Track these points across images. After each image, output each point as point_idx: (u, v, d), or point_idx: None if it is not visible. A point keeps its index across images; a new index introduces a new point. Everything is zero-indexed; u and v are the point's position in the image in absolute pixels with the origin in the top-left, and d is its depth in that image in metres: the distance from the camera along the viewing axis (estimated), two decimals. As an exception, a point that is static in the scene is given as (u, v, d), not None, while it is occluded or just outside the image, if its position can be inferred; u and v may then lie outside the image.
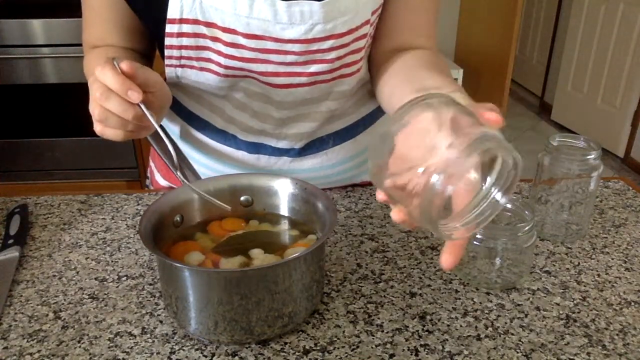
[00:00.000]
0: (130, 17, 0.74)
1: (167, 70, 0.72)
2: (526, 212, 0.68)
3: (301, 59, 0.69)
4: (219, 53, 0.69)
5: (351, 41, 0.70)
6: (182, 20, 0.66)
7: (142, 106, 0.59)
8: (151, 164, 0.98)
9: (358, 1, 0.67)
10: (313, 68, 0.70)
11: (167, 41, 0.68)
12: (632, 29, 3.05)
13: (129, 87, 0.57)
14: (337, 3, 0.66)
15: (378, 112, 0.88)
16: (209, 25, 0.66)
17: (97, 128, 0.61)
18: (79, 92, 1.98)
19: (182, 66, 0.72)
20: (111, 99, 0.57)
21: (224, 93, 0.76)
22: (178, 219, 0.67)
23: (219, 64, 0.70)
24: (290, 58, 0.69)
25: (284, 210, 0.70)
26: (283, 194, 0.70)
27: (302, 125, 0.80)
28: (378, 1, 0.70)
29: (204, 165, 0.85)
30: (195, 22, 0.66)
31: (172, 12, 0.65)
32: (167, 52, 0.70)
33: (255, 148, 0.83)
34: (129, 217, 0.84)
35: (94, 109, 0.59)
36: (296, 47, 0.67)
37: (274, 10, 0.65)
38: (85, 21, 0.77)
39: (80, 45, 0.80)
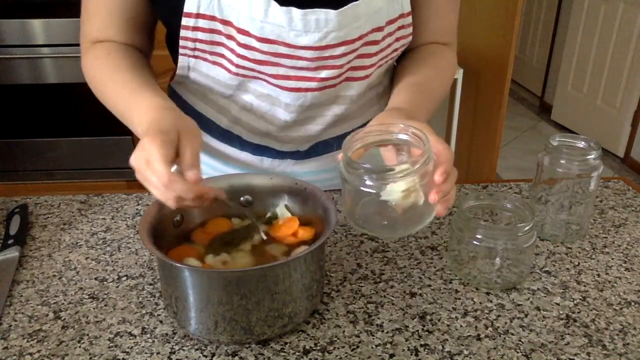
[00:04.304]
0: (135, 9, 0.73)
1: (180, 59, 0.73)
2: (526, 212, 0.68)
3: (312, 65, 0.69)
4: (232, 51, 0.69)
5: (360, 46, 0.70)
6: (198, 15, 0.66)
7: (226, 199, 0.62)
8: None
9: (371, 8, 0.67)
10: (324, 74, 0.70)
11: (183, 33, 0.68)
12: (632, 29, 3.05)
13: (203, 197, 0.56)
14: (351, 10, 0.66)
15: None
16: (225, 23, 0.66)
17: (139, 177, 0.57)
18: (79, 92, 1.98)
19: (195, 57, 0.72)
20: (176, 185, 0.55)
21: (232, 92, 0.76)
22: (178, 219, 0.67)
23: (230, 62, 0.70)
24: (302, 63, 0.69)
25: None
26: (283, 193, 0.69)
27: (308, 129, 0.80)
28: (395, 11, 0.70)
29: (207, 164, 0.85)
30: (212, 18, 0.66)
31: (188, 6, 0.66)
32: (181, 42, 0.70)
33: (260, 150, 0.83)
34: (129, 217, 0.84)
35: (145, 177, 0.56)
36: (309, 54, 0.68)
37: (289, 17, 0.65)
38: (86, 13, 0.75)
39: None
